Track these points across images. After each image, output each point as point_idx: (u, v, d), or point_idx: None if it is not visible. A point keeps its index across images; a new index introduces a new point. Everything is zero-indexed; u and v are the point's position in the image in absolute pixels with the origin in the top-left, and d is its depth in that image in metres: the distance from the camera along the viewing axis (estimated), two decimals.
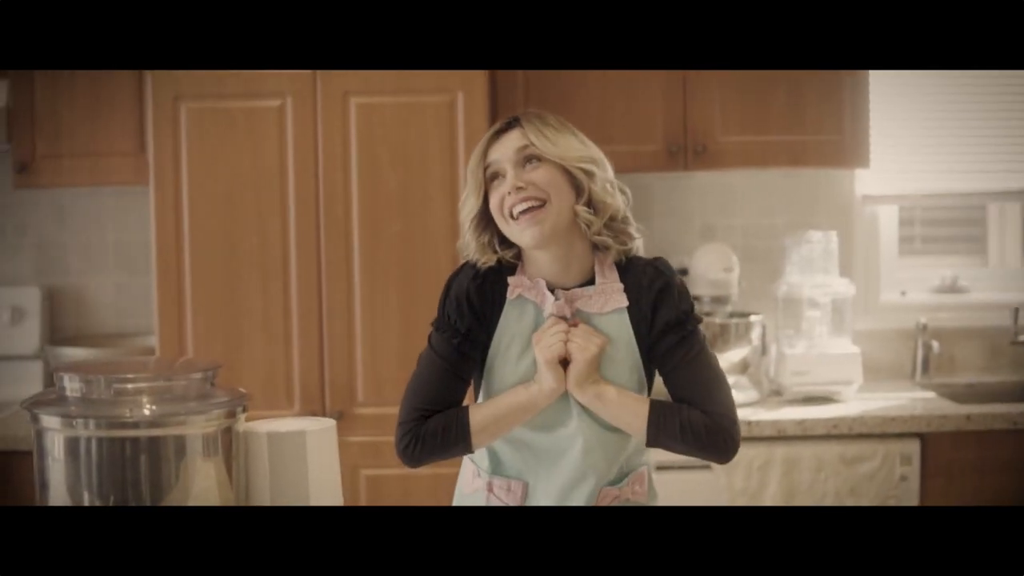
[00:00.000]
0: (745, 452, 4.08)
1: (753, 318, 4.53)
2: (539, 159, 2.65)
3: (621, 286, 2.71)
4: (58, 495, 2.05)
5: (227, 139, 4.06)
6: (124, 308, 4.92)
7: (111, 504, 2.02)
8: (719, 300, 4.57)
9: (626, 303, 2.70)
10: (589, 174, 2.67)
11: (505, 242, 2.73)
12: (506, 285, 2.72)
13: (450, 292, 2.77)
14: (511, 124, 2.71)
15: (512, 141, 2.68)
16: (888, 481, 4.14)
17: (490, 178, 2.70)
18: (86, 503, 2.03)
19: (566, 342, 2.64)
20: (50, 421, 2.05)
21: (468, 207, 2.72)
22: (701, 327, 2.73)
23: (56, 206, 4.92)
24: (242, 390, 2.17)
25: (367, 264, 4.06)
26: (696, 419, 2.66)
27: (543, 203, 2.63)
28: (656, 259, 2.75)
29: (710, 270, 4.56)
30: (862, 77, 4.47)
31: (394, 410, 4.00)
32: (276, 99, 4.04)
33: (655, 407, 2.67)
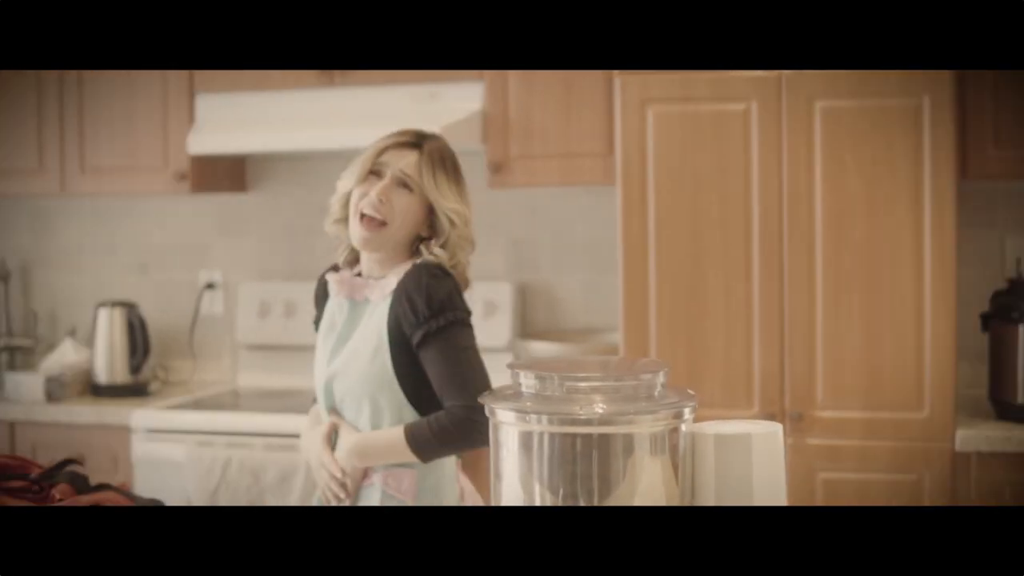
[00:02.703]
0: None
1: None
2: (408, 187, 3.12)
3: (395, 281, 3.11)
4: (511, 486, 2.14)
5: (693, 142, 4.12)
6: (591, 305, 5.05)
7: (560, 497, 2.09)
8: None
9: (391, 293, 3.10)
10: (452, 223, 3.13)
11: None
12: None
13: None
14: (415, 144, 3.17)
15: (405, 161, 3.13)
16: None
17: (371, 172, 3.13)
18: (536, 495, 2.11)
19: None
20: (505, 416, 2.15)
21: (343, 186, 3.18)
22: (461, 326, 3.09)
23: (528, 205, 5.10)
24: (690, 391, 2.20)
25: (830, 267, 4.03)
26: (439, 421, 3.05)
27: (384, 224, 3.09)
28: (430, 264, 3.11)
29: None
30: None
31: (855, 415, 4.03)
32: (742, 102, 4.07)
33: (409, 430, 3.07)
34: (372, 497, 3.14)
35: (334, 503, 3.12)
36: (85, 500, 2.62)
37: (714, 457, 2.17)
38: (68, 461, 2.82)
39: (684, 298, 4.15)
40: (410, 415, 3.13)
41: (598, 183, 4.60)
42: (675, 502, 2.15)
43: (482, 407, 3.01)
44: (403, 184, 3.13)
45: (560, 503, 2.11)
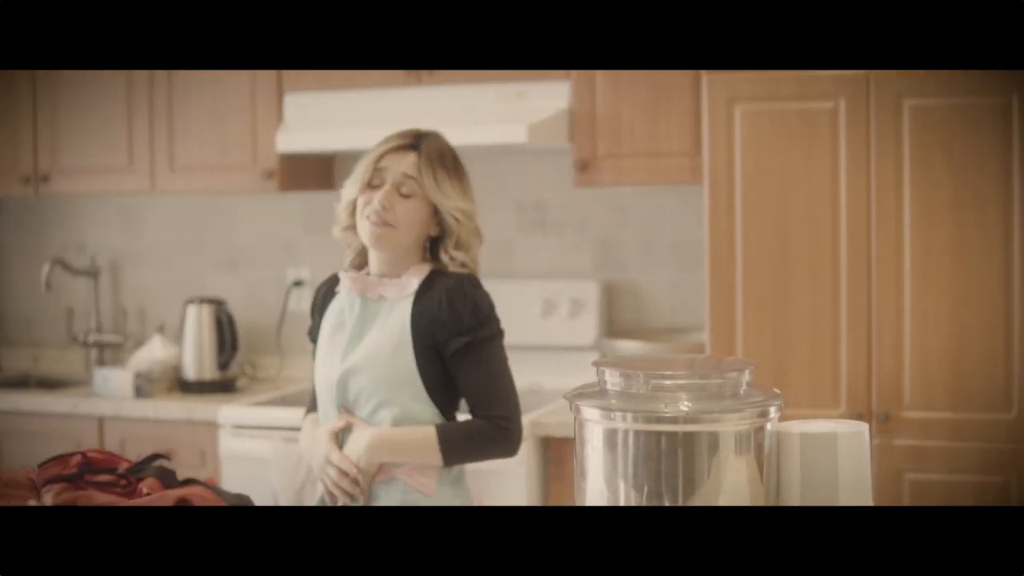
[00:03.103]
0: None
1: None
2: (411, 192, 3.14)
3: (419, 281, 3.17)
4: (595, 484, 2.14)
5: (780, 140, 4.10)
6: (678, 304, 5.04)
7: (644, 496, 2.09)
8: None
9: (415, 293, 3.16)
10: (458, 221, 3.18)
11: None
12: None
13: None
14: (413, 146, 3.18)
15: (404, 164, 3.16)
16: None
17: (373, 179, 3.17)
18: (621, 493, 2.11)
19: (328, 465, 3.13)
20: (590, 413, 2.15)
21: (347, 194, 3.23)
22: (501, 340, 3.20)
23: (616, 203, 5.09)
24: (776, 390, 2.20)
25: (918, 266, 4.00)
26: (478, 428, 3.13)
27: (390, 225, 3.13)
28: (467, 275, 3.20)
29: None
30: None
31: (942, 415, 3.99)
32: (829, 101, 4.04)
33: (443, 432, 3.11)
34: (393, 493, 3.14)
35: (342, 502, 3.10)
36: (173, 495, 2.65)
37: (799, 456, 2.16)
38: (156, 456, 2.85)
39: (771, 297, 4.13)
40: (427, 414, 3.16)
41: (685, 182, 4.58)
42: (760, 501, 2.14)
43: (518, 419, 3.18)
44: (403, 189, 3.16)
45: (644, 501, 2.11)
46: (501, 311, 5.09)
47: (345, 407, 3.18)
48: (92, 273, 5.87)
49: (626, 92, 4.60)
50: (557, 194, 5.16)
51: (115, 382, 5.12)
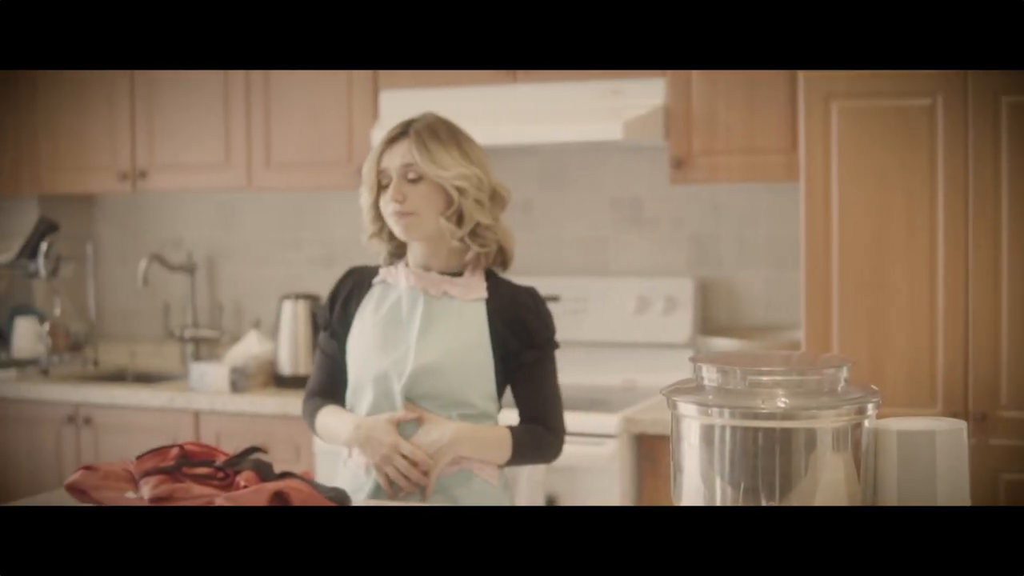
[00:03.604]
0: None
1: None
2: (416, 178, 3.19)
3: (485, 283, 3.27)
4: (691, 480, 2.15)
5: (877, 137, 4.06)
6: (773, 302, 5.02)
7: (741, 492, 2.09)
8: None
9: (486, 295, 3.25)
10: (461, 191, 3.19)
11: None
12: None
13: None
14: (403, 134, 3.24)
15: (399, 155, 3.22)
16: None
17: (381, 180, 3.24)
18: (717, 489, 2.11)
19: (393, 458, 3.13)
20: (687, 409, 2.15)
21: (364, 201, 3.30)
22: (556, 352, 3.31)
23: (711, 200, 5.08)
24: (873, 387, 2.19)
25: (1016, 265, 3.95)
26: (543, 437, 3.24)
27: (415, 215, 3.19)
28: (529, 287, 3.31)
29: None
30: None
31: None
32: (927, 98, 4.00)
33: (516, 434, 3.22)
34: (465, 483, 3.19)
35: (405, 492, 3.14)
36: (269, 487, 2.69)
37: (897, 454, 2.16)
38: (253, 449, 2.89)
39: (867, 295, 4.10)
40: (491, 413, 3.26)
41: (781, 179, 4.56)
42: (856, 499, 2.13)
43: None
44: (408, 176, 3.21)
45: (741, 498, 2.11)
46: (595, 307, 5.11)
47: (410, 401, 3.20)
48: (189, 269, 5.94)
49: (722, 89, 4.59)
50: (652, 191, 5.15)
51: (211, 377, 5.18)
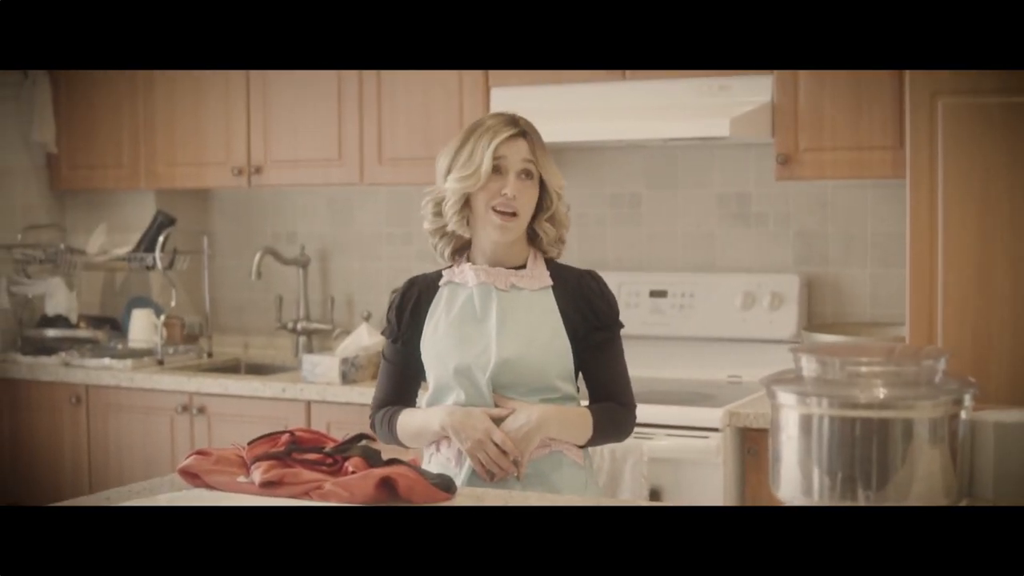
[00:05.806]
0: None
1: None
2: (530, 175, 3.24)
3: (548, 272, 3.33)
4: (789, 469, 2.18)
5: (982, 134, 4.05)
6: (879, 298, 5.02)
7: (838, 481, 2.12)
8: None
9: (551, 283, 3.31)
10: (560, 197, 3.31)
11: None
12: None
13: None
14: (519, 134, 3.28)
15: (521, 150, 3.25)
16: None
17: (498, 169, 3.22)
18: (815, 478, 2.14)
19: (486, 445, 3.17)
20: (786, 398, 2.19)
21: (467, 183, 3.23)
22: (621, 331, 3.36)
23: (817, 197, 5.09)
24: (971, 379, 2.21)
25: None
26: (619, 413, 3.32)
27: (515, 214, 3.22)
28: (590, 270, 3.38)
29: None
30: None
31: None
32: None
33: (596, 413, 3.29)
34: (557, 466, 3.26)
35: (498, 477, 3.20)
36: (377, 473, 2.76)
37: (993, 446, 2.18)
38: (362, 436, 2.97)
39: (972, 292, 4.09)
40: (570, 395, 3.31)
41: (887, 176, 4.56)
42: (952, 490, 2.16)
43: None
44: (527, 174, 3.25)
45: (838, 487, 2.14)
46: (701, 303, 5.14)
47: (498, 391, 3.26)
48: (301, 262, 6.04)
49: (828, 86, 4.60)
50: (759, 187, 5.17)
51: (323, 368, 5.27)
